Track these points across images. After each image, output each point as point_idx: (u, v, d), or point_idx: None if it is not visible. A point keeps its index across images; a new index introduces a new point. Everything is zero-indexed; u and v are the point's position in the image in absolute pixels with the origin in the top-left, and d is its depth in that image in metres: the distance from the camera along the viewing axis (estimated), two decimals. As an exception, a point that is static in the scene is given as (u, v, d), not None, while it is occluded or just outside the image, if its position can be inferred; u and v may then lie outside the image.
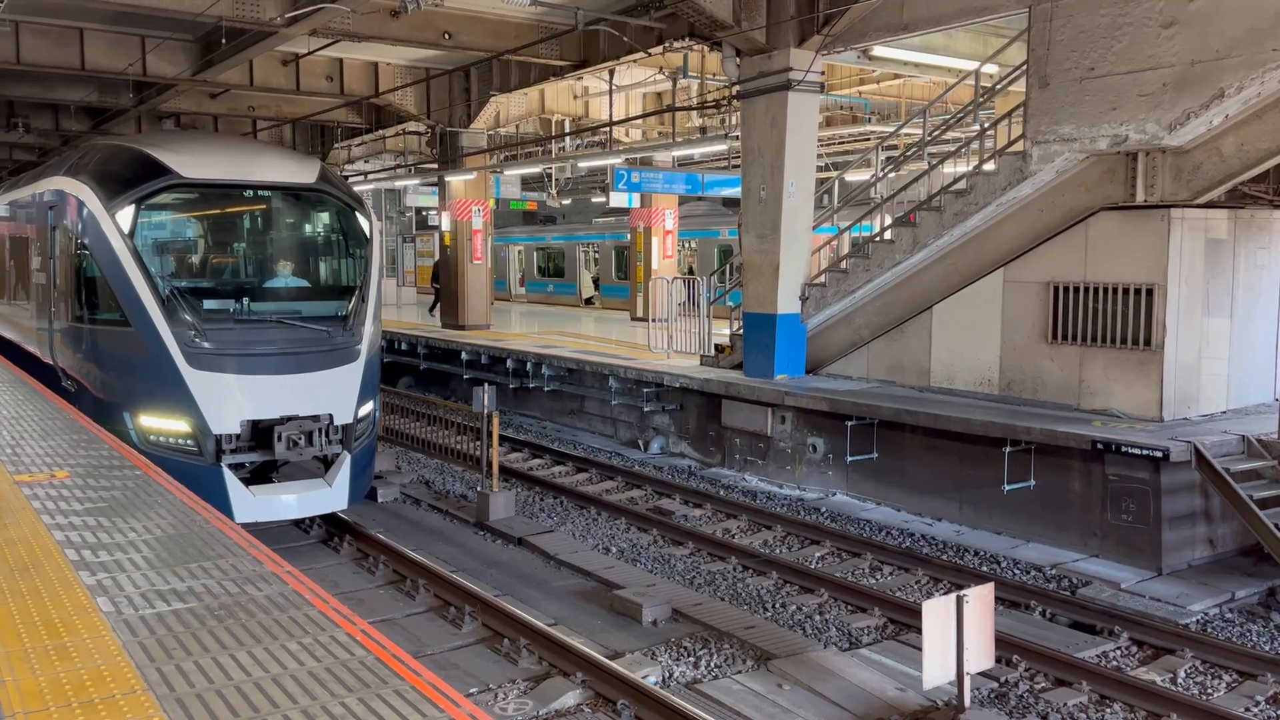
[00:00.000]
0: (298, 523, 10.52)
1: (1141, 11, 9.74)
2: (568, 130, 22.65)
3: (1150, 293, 10.10)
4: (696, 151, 22.81)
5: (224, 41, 14.56)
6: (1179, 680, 7.12)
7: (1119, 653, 7.62)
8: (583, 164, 22.36)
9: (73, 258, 10.03)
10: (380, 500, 11.89)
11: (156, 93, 19.32)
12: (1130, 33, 9.83)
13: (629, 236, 24.59)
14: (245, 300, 9.81)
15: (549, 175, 26.77)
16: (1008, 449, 10.07)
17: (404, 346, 20.75)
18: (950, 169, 14.62)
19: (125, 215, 9.43)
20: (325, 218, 10.73)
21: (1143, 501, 9.34)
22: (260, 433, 9.27)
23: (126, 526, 5.17)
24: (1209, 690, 7.01)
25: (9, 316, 14.01)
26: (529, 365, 17.06)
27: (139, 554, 4.73)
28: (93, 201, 9.66)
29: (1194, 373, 10.41)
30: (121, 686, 3.32)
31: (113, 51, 16.75)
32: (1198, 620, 8.23)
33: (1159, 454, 8.97)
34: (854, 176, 19.54)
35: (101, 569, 4.51)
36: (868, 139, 22.69)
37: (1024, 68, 11.11)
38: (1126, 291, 10.28)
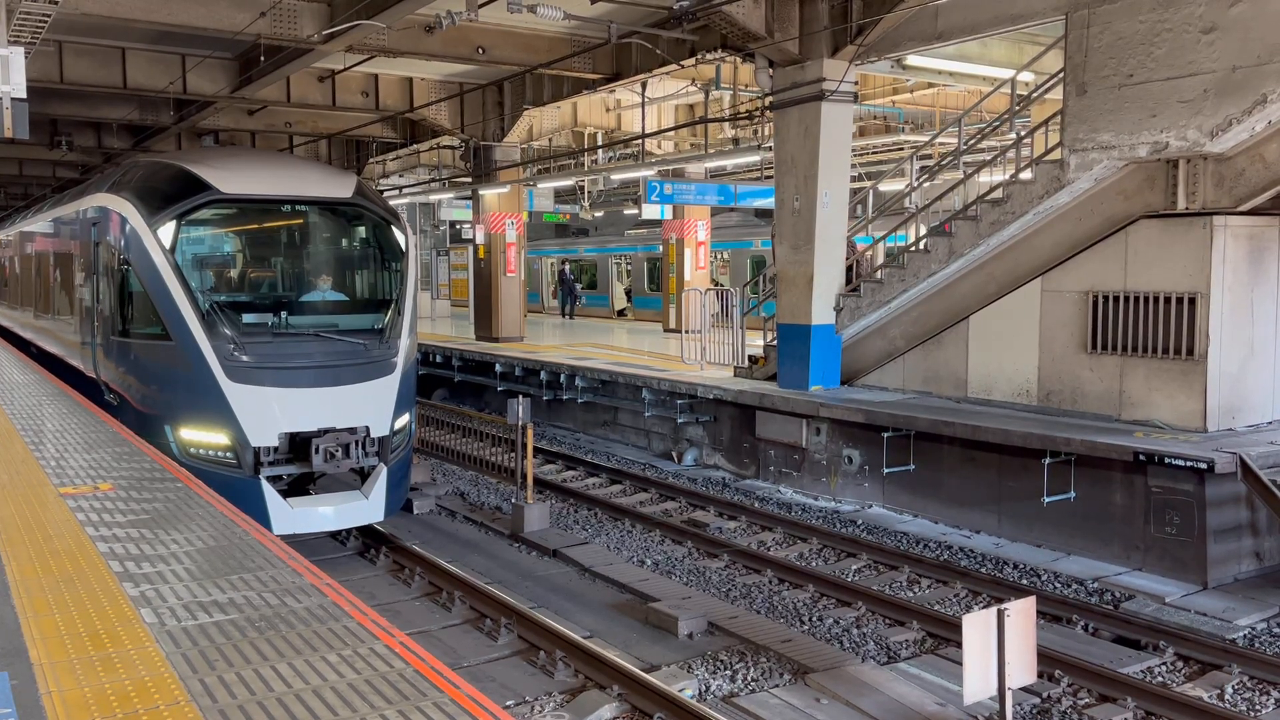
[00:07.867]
0: (334, 534, 10.60)
1: (1181, 18, 9.62)
2: (600, 143, 22.75)
3: (1193, 301, 9.95)
4: (729, 163, 22.81)
5: (262, 59, 14.79)
6: (1226, 696, 6.98)
7: (1164, 668, 7.48)
8: (615, 176, 22.43)
9: (115, 273, 10.19)
10: (416, 512, 11.95)
11: (196, 110, 19.66)
12: (1170, 39, 9.71)
13: (661, 248, 24.62)
14: (283, 314, 9.92)
15: (582, 188, 26.89)
16: (1047, 460, 9.95)
17: (438, 359, 20.88)
18: (986, 178, 14.51)
19: (166, 231, 9.58)
20: (362, 232, 10.83)
21: (1187, 514, 9.18)
22: (298, 445, 9.35)
23: (168, 538, 5.22)
24: (1257, 707, 6.86)
25: (54, 331, 14.26)
26: (562, 377, 17.10)
27: (181, 565, 4.77)
28: (135, 218, 9.81)
29: (1238, 382, 10.23)
30: (165, 698, 3.35)
31: (154, 70, 17.07)
32: (1245, 635, 8.06)
33: (1203, 465, 8.81)
34: (888, 186, 19.43)
35: (144, 580, 4.55)
36: (901, 148, 22.59)
37: (1061, 75, 11.01)
38: (1168, 300, 10.13)
